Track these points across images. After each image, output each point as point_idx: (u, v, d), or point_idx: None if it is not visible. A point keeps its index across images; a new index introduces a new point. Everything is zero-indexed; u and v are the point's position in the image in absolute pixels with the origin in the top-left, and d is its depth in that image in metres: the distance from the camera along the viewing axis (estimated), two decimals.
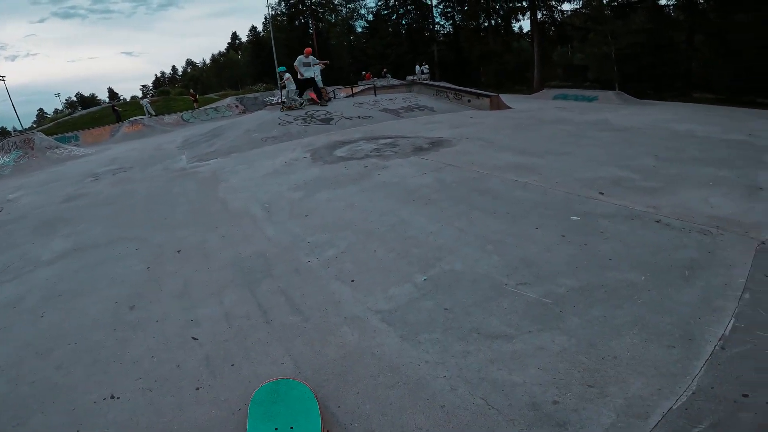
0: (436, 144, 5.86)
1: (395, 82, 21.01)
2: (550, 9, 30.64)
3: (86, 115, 32.92)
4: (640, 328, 1.81)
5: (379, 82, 20.49)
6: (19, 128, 33.18)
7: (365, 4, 45.78)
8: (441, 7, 38.67)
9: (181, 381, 1.80)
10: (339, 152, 5.81)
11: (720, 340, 1.70)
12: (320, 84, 13.54)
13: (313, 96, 10.83)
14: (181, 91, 57.88)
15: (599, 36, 23.34)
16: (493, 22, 34.39)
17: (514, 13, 33.00)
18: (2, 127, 40.02)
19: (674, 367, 1.58)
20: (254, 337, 2.04)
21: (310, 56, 10.51)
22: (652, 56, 22.73)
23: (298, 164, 5.41)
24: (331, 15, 46.10)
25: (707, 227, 2.74)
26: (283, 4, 45.56)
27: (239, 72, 65.66)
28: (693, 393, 1.46)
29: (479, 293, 2.17)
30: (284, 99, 11.77)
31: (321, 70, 13.48)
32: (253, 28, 63.91)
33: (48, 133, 16.08)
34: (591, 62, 24.18)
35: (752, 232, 2.66)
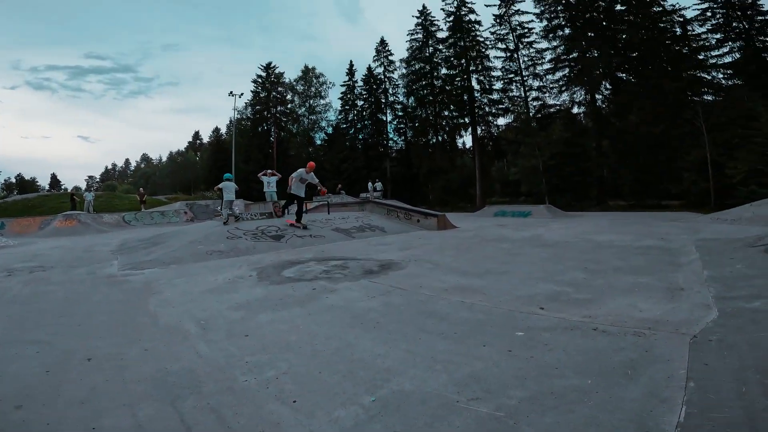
0: (385, 267, 6.01)
1: (349, 199, 22.22)
2: (488, 124, 35.69)
3: (20, 202, 30.16)
4: (596, 429, 1.77)
5: (334, 199, 21.53)
6: None
7: (326, 117, 48.25)
8: (395, 123, 42.58)
9: None
10: (287, 272, 5.73)
11: (677, 427, 1.71)
12: (274, 198, 13.90)
13: (290, 222, 10.32)
14: (128, 188, 55.54)
15: (528, 148, 27.20)
16: (440, 138, 38.31)
17: (458, 129, 37.16)
18: None
19: None
20: None
21: (312, 173, 10.02)
22: (572, 166, 26.75)
23: (243, 282, 5.20)
24: (293, 125, 47.66)
25: (640, 329, 2.91)
26: (249, 110, 47.15)
27: (195, 175, 64.07)
28: None
29: (429, 413, 2.02)
30: (230, 212, 11.72)
31: (276, 182, 13.98)
32: (216, 130, 65.31)
33: None
34: (523, 176, 27.66)
35: (683, 329, 2.86)
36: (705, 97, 24.27)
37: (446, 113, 37.44)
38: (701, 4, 26.47)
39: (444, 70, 37.28)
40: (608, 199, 27.32)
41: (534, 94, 33.43)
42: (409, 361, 2.66)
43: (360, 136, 43.82)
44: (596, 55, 29.44)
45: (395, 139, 43.36)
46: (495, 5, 34.06)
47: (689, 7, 27.06)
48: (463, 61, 35.49)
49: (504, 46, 34.64)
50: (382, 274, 5.46)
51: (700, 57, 25.71)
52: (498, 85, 35.10)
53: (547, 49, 32.41)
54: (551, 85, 32.27)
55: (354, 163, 39.57)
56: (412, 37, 39.14)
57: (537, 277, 4.95)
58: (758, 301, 3.23)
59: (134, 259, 7.68)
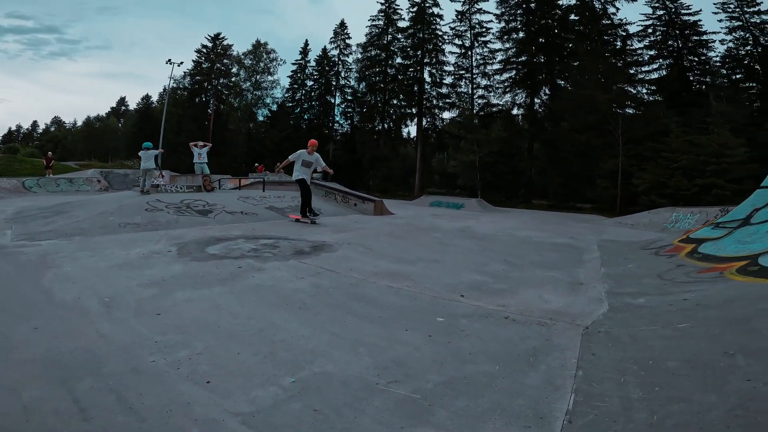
0: (318, 248, 5.93)
1: (287, 178, 21.45)
2: (434, 117, 36.68)
3: None
4: (500, 413, 1.90)
5: (271, 177, 20.70)
6: None
7: (272, 94, 46.63)
8: (343, 106, 42.54)
9: None
10: (212, 249, 5.41)
11: (566, 414, 1.87)
12: (206, 171, 13.05)
13: (294, 216, 8.86)
14: (33, 151, 48.85)
15: (468, 143, 28.40)
16: (386, 125, 38.68)
17: (404, 118, 37.87)
18: None
19: None
20: None
21: (315, 153, 8.51)
22: (505, 165, 28.52)
23: (159, 258, 4.80)
24: (235, 99, 45.51)
25: (544, 319, 3.19)
26: (188, 79, 44.00)
27: (115, 142, 58.70)
28: None
29: (350, 393, 2.05)
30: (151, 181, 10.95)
31: (207, 153, 13.13)
32: (147, 97, 60.09)
33: None
34: (460, 170, 28.89)
35: (578, 320, 3.18)
36: (627, 110, 26.90)
37: (395, 102, 37.90)
38: (646, 20, 29.20)
39: (399, 60, 37.62)
40: (534, 199, 29.58)
41: (480, 92, 35.02)
42: (334, 343, 2.67)
43: (306, 116, 43.15)
44: (542, 60, 31.29)
45: (341, 122, 43.25)
46: (460, 1, 34.62)
47: (635, 23, 29.70)
48: (419, 52, 35.88)
49: (460, 43, 35.58)
50: (313, 255, 5.39)
51: (632, 71, 28.41)
52: (448, 80, 36.15)
53: (499, 50, 33.91)
54: (497, 85, 33.91)
55: (297, 142, 38.59)
56: (373, 23, 38.79)
57: (463, 267, 5.22)
58: (642, 298, 3.71)
59: (31, 228, 6.73)
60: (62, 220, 7.27)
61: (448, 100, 35.96)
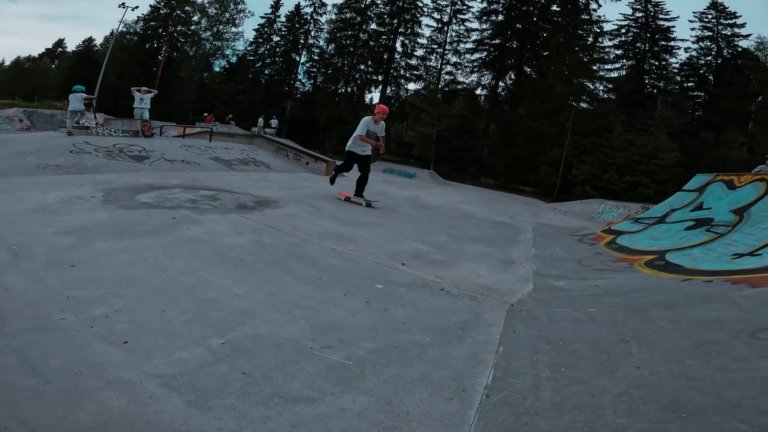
0: (262, 203, 5.71)
1: (238, 131, 20.30)
2: (399, 86, 36.31)
3: None
4: (427, 384, 1.98)
5: (221, 128, 19.45)
6: None
7: (233, 46, 43.87)
8: (308, 65, 40.90)
9: None
10: (144, 197, 5.00)
11: (485, 389, 1.98)
12: (146, 116, 12.13)
13: (345, 194, 7.39)
14: None
15: (428, 117, 28.56)
16: (349, 89, 37.72)
17: (369, 84, 37.15)
18: None
19: (455, 418, 1.75)
20: None
21: (382, 122, 7.01)
22: (461, 141, 29.20)
23: (81, 204, 4.36)
24: (191, 47, 42.42)
25: (475, 294, 3.37)
26: (141, 24, 39.98)
27: (46, 83, 52.79)
28: None
29: (282, 357, 2.04)
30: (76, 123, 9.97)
31: (150, 100, 12.16)
32: (89, 39, 53.40)
33: None
34: (417, 141, 29.12)
35: (505, 297, 3.40)
36: (582, 104, 28.21)
37: (362, 67, 36.91)
38: (623, 20, 30.12)
39: (374, 26, 36.30)
40: (483, 177, 30.68)
41: (449, 68, 34.96)
42: (269, 304, 2.63)
43: (267, 71, 41.33)
44: (514, 46, 31.51)
45: (304, 81, 41.99)
46: None
47: (611, 21, 30.51)
48: (395, 21, 34.60)
49: (438, 17, 34.75)
50: (256, 211, 5.19)
51: (595, 68, 29.55)
52: (419, 52, 35.60)
53: (475, 29, 33.60)
54: (466, 64, 33.93)
55: (252, 96, 36.89)
56: None
57: (407, 235, 5.32)
58: (563, 281, 4.04)
59: None
60: None
61: (415, 72, 35.71)
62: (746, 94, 27.85)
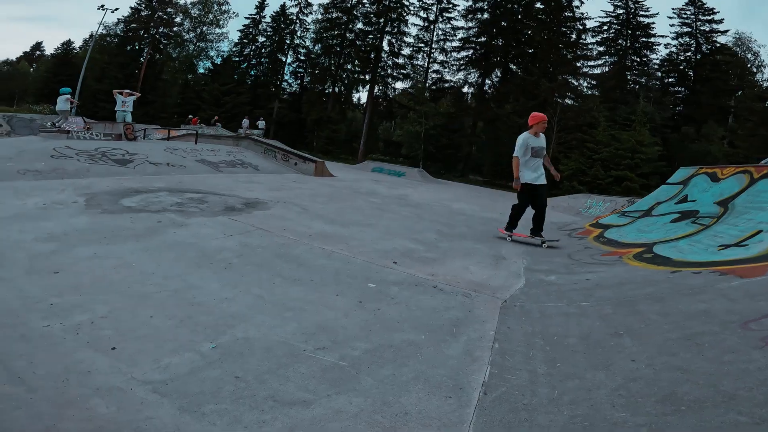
0: (250, 205, 5.63)
1: (224, 133, 20.01)
2: (386, 85, 36.17)
3: None
4: (423, 383, 1.96)
5: (206, 130, 19.15)
6: None
7: (217, 47, 43.08)
8: (294, 66, 40.59)
9: None
10: (128, 201, 4.88)
11: (482, 386, 1.97)
12: (128, 119, 11.94)
13: (519, 234, 5.93)
14: None
15: (416, 115, 28.52)
16: (336, 89, 37.41)
17: (356, 84, 36.83)
18: None
19: (453, 416, 1.73)
20: None
21: (542, 135, 5.69)
22: (448, 139, 29.25)
23: (62, 210, 4.22)
24: (174, 49, 41.58)
25: (468, 291, 3.36)
26: (121, 26, 39.08)
27: (24, 87, 51.55)
28: None
29: (275, 360, 2.00)
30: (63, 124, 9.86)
31: (133, 103, 12.01)
32: (68, 42, 52.16)
33: None
34: (405, 139, 29.06)
35: (498, 293, 3.39)
36: (567, 100, 28.49)
37: (349, 67, 36.65)
38: (605, 17, 30.49)
39: (360, 25, 36.08)
40: (471, 174, 30.84)
41: (436, 66, 34.92)
42: (259, 306, 2.58)
43: (252, 72, 40.75)
44: (500, 44, 31.67)
45: (290, 81, 41.45)
46: None
47: (593, 18, 30.83)
48: (381, 20, 34.45)
49: (425, 16, 34.73)
50: (245, 213, 5.11)
51: (578, 64, 29.87)
52: (406, 51, 35.50)
53: (461, 28, 33.68)
54: (453, 62, 33.97)
55: (238, 98, 36.34)
56: None
57: (397, 234, 5.30)
58: (554, 276, 4.06)
59: None
60: None
61: (402, 71, 35.54)
62: (725, 89, 28.49)
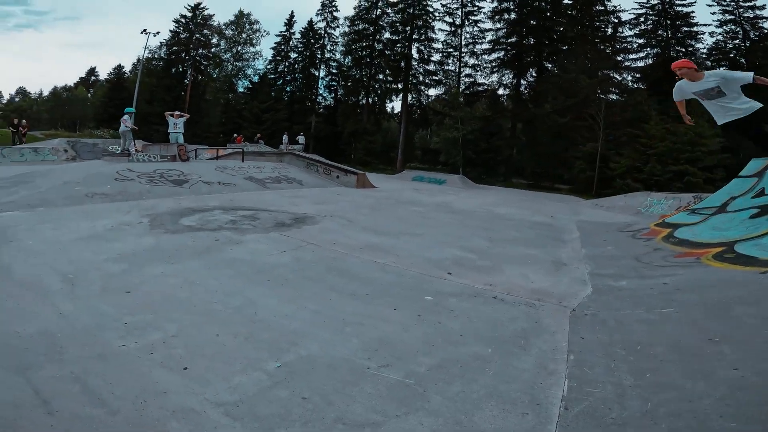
0: (299, 220, 5.73)
1: (267, 149, 20.83)
2: (419, 93, 36.12)
3: None
4: (496, 399, 1.84)
5: (251, 148, 20.01)
6: None
7: (253, 65, 44.56)
8: (327, 79, 41.24)
9: None
10: (187, 221, 5.13)
11: (562, 401, 1.83)
12: (180, 140, 12.72)
13: None
14: None
15: (452, 120, 28.17)
16: (370, 100, 37.71)
17: (389, 93, 36.86)
18: None
19: None
20: (26, 430, 1.44)
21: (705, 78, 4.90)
22: (487, 143, 28.64)
23: (130, 230, 4.51)
24: (214, 69, 43.59)
25: (530, 300, 3.17)
26: (164, 49, 41.61)
27: (84, 112, 55.89)
28: None
29: (339, 379, 1.95)
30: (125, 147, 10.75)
31: (183, 124, 12.78)
32: (119, 68, 56.68)
33: None
34: (443, 146, 28.73)
35: (564, 301, 3.17)
36: (611, 96, 27.10)
37: (381, 77, 36.91)
38: (639, 9, 29.05)
39: (387, 35, 36.36)
40: (513, 177, 29.92)
41: (467, 71, 34.41)
42: (318, 322, 2.55)
43: (288, 89, 41.68)
44: (531, 43, 30.89)
45: (325, 95, 42.14)
46: None
47: (627, 10, 29.45)
48: (407, 28, 34.69)
49: (450, 20, 34.58)
50: (294, 228, 5.20)
51: (619, 58, 28.44)
52: (436, 57, 35.35)
53: (489, 29, 33.16)
54: (485, 65, 33.43)
55: (277, 114, 37.45)
56: None
57: (445, 242, 5.16)
58: (624, 281, 3.74)
59: None
60: (25, 190, 6.74)
61: (434, 77, 35.29)
62: None
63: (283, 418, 1.65)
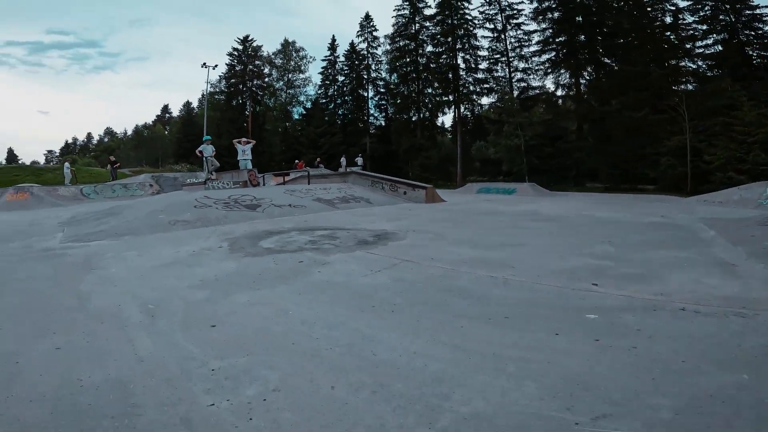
0: (381, 237, 5.13)
1: (327, 172, 21.06)
2: (472, 103, 35.06)
3: None
4: None
5: (313, 172, 20.39)
6: None
7: (305, 92, 46.23)
8: (376, 99, 41.51)
9: None
10: (266, 243, 4.73)
11: None
12: (249, 166, 13.10)
13: None
14: (89, 161, 52.02)
15: (512, 128, 26.70)
16: (421, 115, 37.03)
17: (441, 106, 35.88)
18: None
19: None
20: None
21: None
22: (551, 147, 26.66)
23: (211, 255, 4.16)
24: (270, 99, 45.61)
25: (735, 309, 2.29)
26: (223, 83, 44.58)
27: (163, 149, 61.28)
28: None
29: None
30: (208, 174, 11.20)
31: (251, 150, 13.21)
32: (187, 104, 61.65)
33: None
34: (504, 155, 27.13)
35: None
36: (688, 85, 24.37)
37: (429, 91, 36.37)
38: None
39: (429, 48, 36.05)
40: (585, 182, 27.48)
41: (519, 75, 32.82)
42: (465, 362, 1.81)
43: (340, 112, 42.38)
44: (583, 39, 29.01)
45: (376, 115, 42.31)
46: None
47: None
48: (449, 38, 34.25)
49: (492, 26, 33.61)
50: (379, 245, 4.59)
51: (687, 46, 25.70)
52: (484, 65, 34.21)
53: (535, 31, 31.66)
54: (536, 67, 31.74)
55: (332, 138, 38.19)
56: (399, 13, 37.44)
57: (560, 251, 4.26)
58: None
59: (82, 230, 6.44)
60: (114, 220, 6.98)
61: (485, 86, 34.05)
62: None
63: None
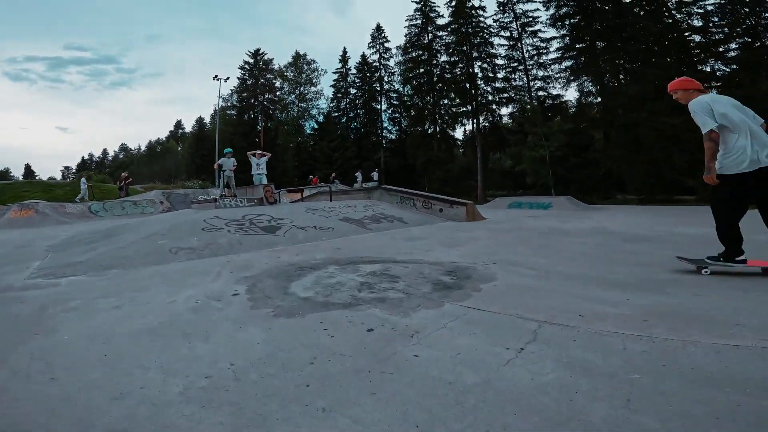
0: (457, 275, 3.67)
1: (343, 188, 19.82)
2: (491, 113, 33.70)
3: None
4: None
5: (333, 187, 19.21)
6: None
7: (317, 105, 45.59)
8: (389, 112, 40.62)
9: None
10: (299, 288, 3.28)
11: None
12: (264, 181, 11.93)
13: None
14: (104, 177, 51.88)
15: (535, 138, 25.22)
16: (437, 127, 35.72)
17: (458, 117, 34.61)
18: None
19: None
20: None
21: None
22: (577, 157, 25.11)
23: (221, 311, 2.68)
24: (282, 113, 45.01)
25: None
26: (235, 97, 44.24)
27: (176, 164, 61.11)
28: None
29: None
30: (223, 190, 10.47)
31: (266, 164, 12.19)
32: (200, 119, 61.79)
33: None
34: (529, 166, 25.57)
35: None
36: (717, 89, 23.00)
37: (445, 102, 35.21)
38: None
39: (444, 57, 35.09)
40: (614, 193, 25.84)
41: (538, 83, 31.60)
42: None
43: (353, 125, 41.50)
44: (604, 45, 27.86)
45: (389, 128, 41.29)
46: None
47: (706, 1, 25.71)
48: (465, 47, 33.27)
49: (508, 34, 32.63)
50: (467, 289, 3.14)
51: (721, 49, 24.42)
52: (501, 74, 33.07)
53: (553, 38, 30.61)
54: (557, 75, 30.56)
55: (346, 152, 37.07)
56: (411, 23, 36.78)
57: None
58: None
59: (64, 259, 5.11)
60: (105, 246, 5.64)
61: (504, 95, 32.86)
62: None
63: None
